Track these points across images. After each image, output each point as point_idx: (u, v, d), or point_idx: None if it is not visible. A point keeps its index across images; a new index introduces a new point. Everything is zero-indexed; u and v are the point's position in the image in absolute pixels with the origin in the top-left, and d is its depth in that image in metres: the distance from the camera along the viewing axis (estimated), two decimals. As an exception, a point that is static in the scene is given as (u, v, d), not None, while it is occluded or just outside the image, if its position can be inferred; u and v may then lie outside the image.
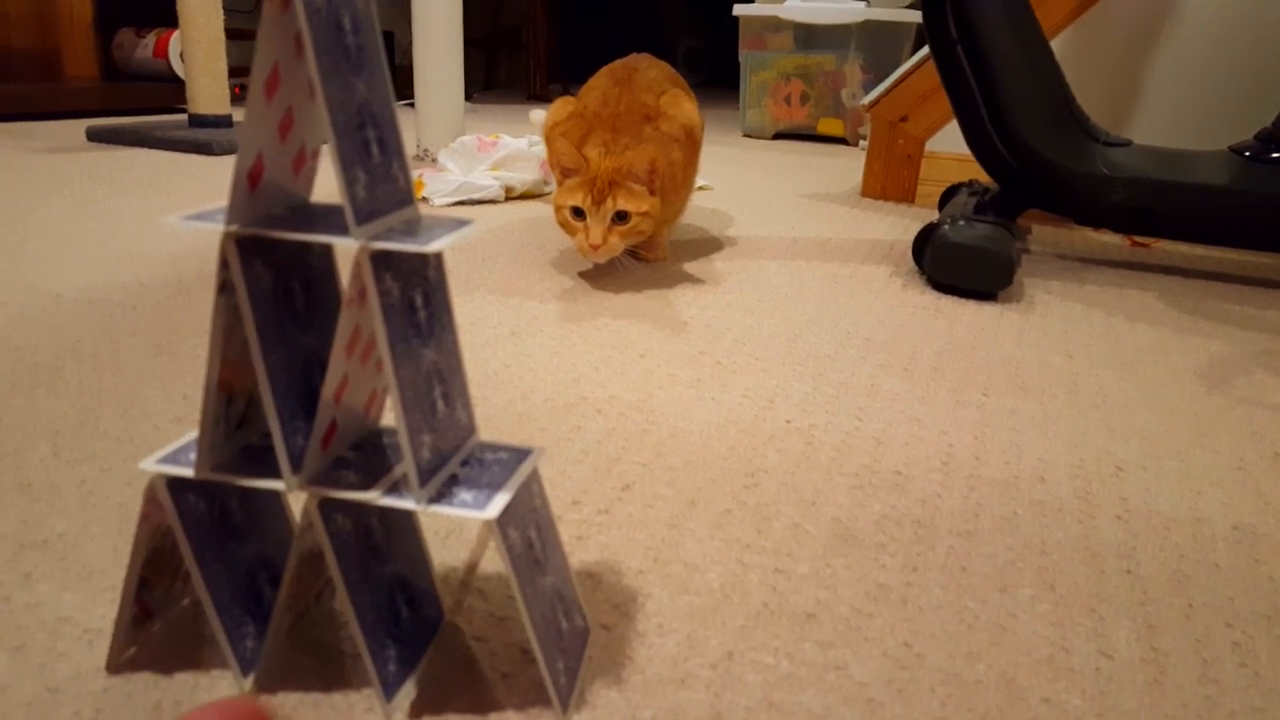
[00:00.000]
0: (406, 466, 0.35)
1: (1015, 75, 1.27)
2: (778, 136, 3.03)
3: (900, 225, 1.57)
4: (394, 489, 0.37)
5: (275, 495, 0.43)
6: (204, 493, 0.39)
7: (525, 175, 1.64)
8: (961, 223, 1.18)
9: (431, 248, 0.33)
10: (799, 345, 0.91)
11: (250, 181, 0.34)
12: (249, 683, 0.39)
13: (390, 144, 0.36)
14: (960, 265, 1.14)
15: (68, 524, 0.52)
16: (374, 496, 0.36)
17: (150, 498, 0.38)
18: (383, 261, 0.34)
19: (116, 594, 0.45)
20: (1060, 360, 0.91)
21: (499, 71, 4.71)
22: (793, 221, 1.55)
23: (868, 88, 2.82)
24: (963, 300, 1.12)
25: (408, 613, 0.42)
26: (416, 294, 0.37)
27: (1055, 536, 0.57)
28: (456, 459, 0.39)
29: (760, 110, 3.03)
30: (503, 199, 1.60)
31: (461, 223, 0.38)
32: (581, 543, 0.53)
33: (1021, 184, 1.32)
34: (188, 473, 0.37)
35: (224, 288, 0.34)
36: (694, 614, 0.47)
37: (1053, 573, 0.53)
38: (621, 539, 0.54)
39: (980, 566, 0.53)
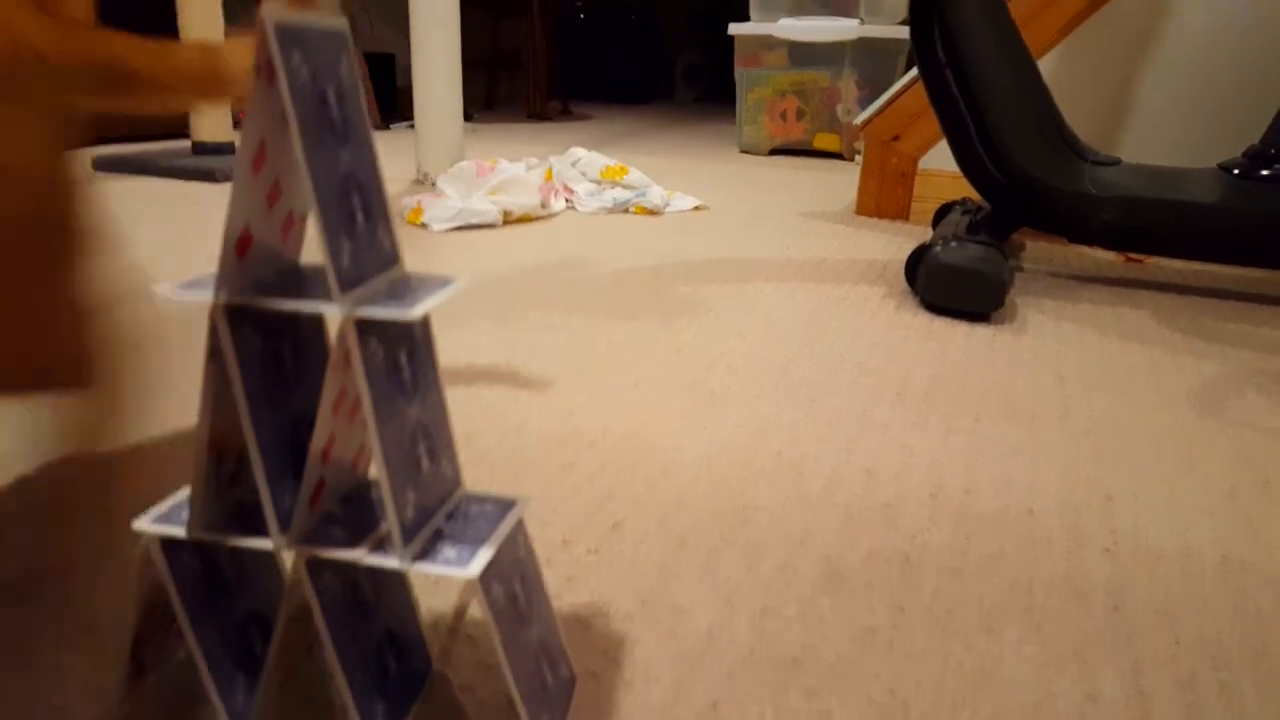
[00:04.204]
0: (390, 525, 0.36)
1: (1003, 97, 1.28)
2: (774, 152, 3.04)
3: (895, 244, 1.58)
4: (380, 546, 0.37)
5: (266, 551, 0.43)
6: (197, 551, 0.40)
7: (523, 199, 1.65)
8: (953, 244, 1.19)
9: (413, 314, 0.33)
10: (792, 371, 0.92)
11: (239, 251, 0.34)
12: (240, 737, 0.40)
13: (375, 209, 0.37)
14: (952, 287, 1.15)
15: (81, 592, 0.52)
16: (360, 555, 0.37)
17: (144, 559, 0.39)
18: (366, 326, 0.35)
19: (111, 646, 0.46)
20: (1052, 383, 0.92)
21: (499, 90, 4.74)
22: (788, 241, 1.56)
23: (863, 103, 2.84)
24: (955, 321, 1.12)
25: (395, 666, 0.42)
26: (401, 354, 0.37)
27: (1043, 573, 0.58)
28: (442, 513, 0.40)
29: (757, 126, 3.05)
30: (500, 223, 1.61)
31: (445, 282, 0.39)
32: (571, 585, 0.54)
33: (1012, 203, 1.33)
34: (181, 533, 0.38)
35: (213, 354, 0.35)
36: (681, 660, 0.48)
37: (1039, 613, 0.54)
38: (611, 581, 0.54)
39: (967, 608, 0.54)
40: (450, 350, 0.93)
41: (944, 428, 0.80)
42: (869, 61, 2.86)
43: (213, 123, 2.08)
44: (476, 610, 0.50)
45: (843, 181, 2.34)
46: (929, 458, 0.73)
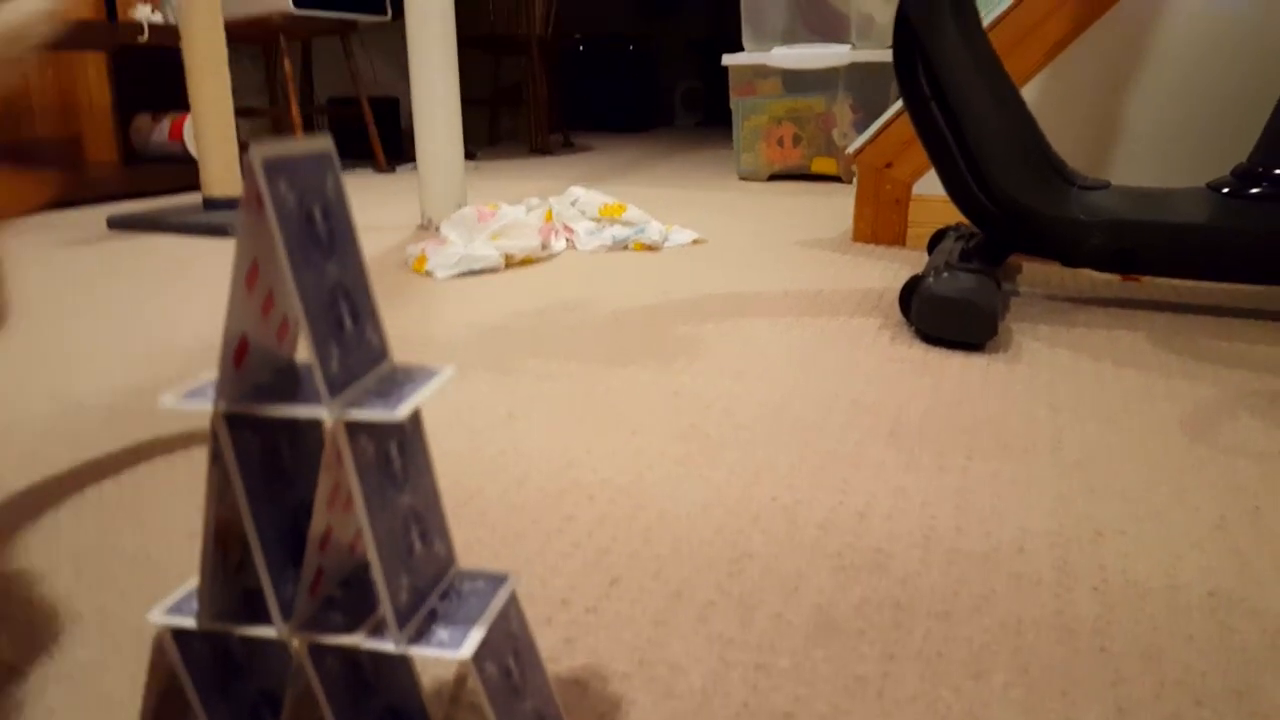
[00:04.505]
0: (385, 611, 0.38)
1: (988, 127, 1.31)
2: (773, 178, 3.07)
3: (890, 271, 1.59)
4: (377, 630, 0.39)
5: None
6: (207, 639, 0.42)
7: (524, 242, 1.69)
8: (945, 274, 1.20)
9: (399, 415, 0.36)
10: (786, 412, 0.94)
11: (236, 360, 0.37)
12: (253, 815, 0.42)
13: (362, 311, 0.40)
14: (945, 317, 1.16)
15: (89, 654, 0.55)
16: (358, 640, 0.39)
17: (158, 646, 0.41)
18: (356, 427, 0.37)
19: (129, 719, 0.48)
20: (1045, 414, 0.93)
21: (502, 126, 4.82)
22: (785, 272, 1.58)
23: (858, 126, 2.87)
24: (950, 352, 1.14)
25: (400, 737, 0.44)
26: (391, 447, 0.40)
27: (1031, 613, 0.59)
28: (436, 593, 0.42)
29: (754, 154, 3.09)
30: (502, 267, 1.64)
31: (432, 373, 0.41)
32: (569, 647, 0.56)
33: (1002, 230, 1.35)
34: (191, 624, 0.40)
35: (215, 458, 0.38)
36: (677, 719, 0.49)
37: (1027, 654, 0.55)
38: (608, 640, 0.56)
39: (956, 651, 0.55)
40: (452, 403, 0.96)
41: (936, 465, 0.81)
42: (862, 85, 2.89)
43: (222, 179, 2.12)
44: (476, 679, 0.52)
45: (840, 205, 2.37)
46: (921, 498, 0.75)
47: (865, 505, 0.74)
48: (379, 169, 3.41)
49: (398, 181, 3.04)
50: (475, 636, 0.39)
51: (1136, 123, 1.59)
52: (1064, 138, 1.58)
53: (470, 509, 0.73)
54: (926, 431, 0.89)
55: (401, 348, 1.16)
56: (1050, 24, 1.62)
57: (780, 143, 3.06)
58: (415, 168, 2.07)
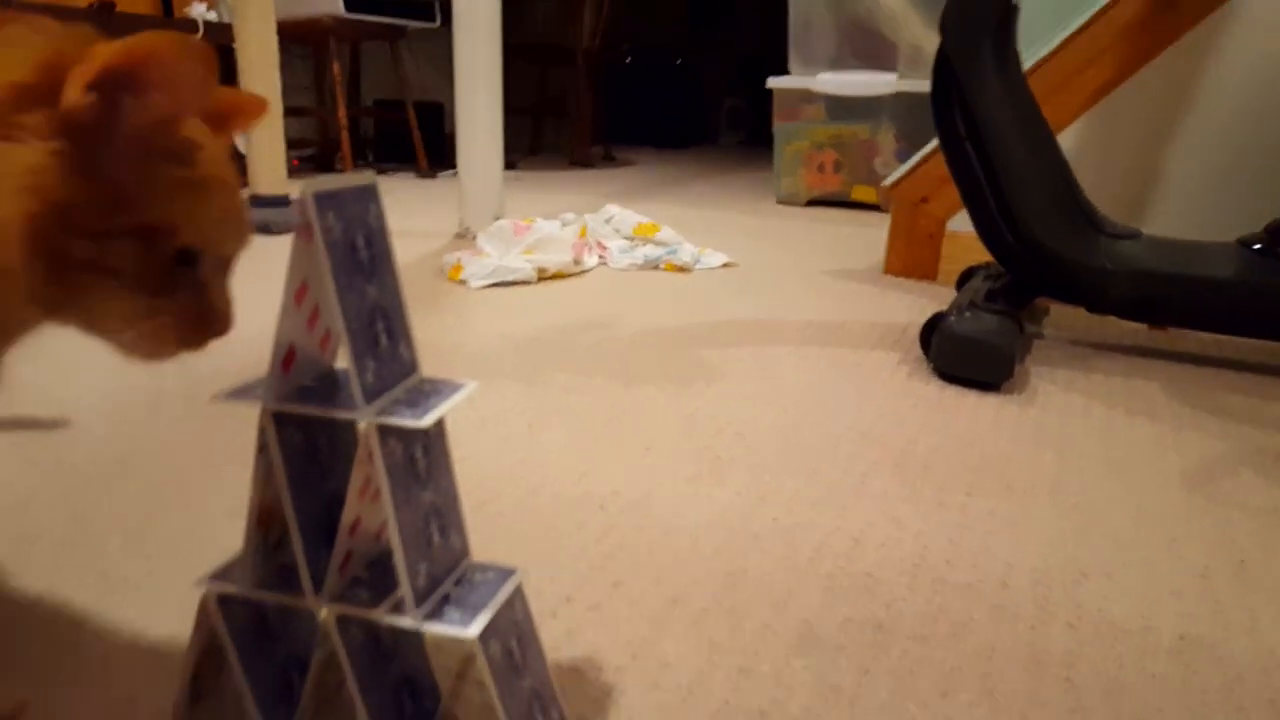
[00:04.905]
0: (405, 592, 0.43)
1: (1021, 170, 1.34)
2: (812, 203, 3.11)
3: (917, 306, 1.62)
4: (397, 607, 0.44)
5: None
6: (247, 604, 0.47)
7: (557, 256, 1.75)
8: (968, 314, 1.23)
9: (424, 423, 0.41)
10: (796, 439, 0.98)
11: (284, 367, 0.43)
12: (276, 765, 0.47)
13: (397, 329, 0.45)
14: (963, 356, 1.19)
15: (136, 613, 0.61)
16: (380, 615, 0.44)
17: (203, 608, 0.47)
18: (386, 430, 0.42)
19: (174, 677, 0.54)
20: (1050, 458, 0.96)
21: (545, 137, 4.90)
22: (811, 301, 1.62)
23: (901, 156, 2.89)
24: (965, 391, 1.17)
25: (411, 705, 0.49)
26: (417, 449, 0.45)
27: (1005, 643, 0.63)
28: (450, 580, 0.47)
29: (794, 178, 3.12)
30: (535, 280, 1.70)
31: (458, 386, 0.46)
32: (570, 638, 0.60)
33: (1029, 273, 1.38)
34: (234, 590, 0.46)
35: (262, 449, 0.43)
36: (661, 710, 0.54)
37: (995, 679, 0.59)
38: (606, 636, 0.61)
39: (928, 671, 0.59)
40: (479, 410, 1.01)
41: (936, 500, 0.85)
42: (907, 115, 2.92)
43: (269, 177, 2.21)
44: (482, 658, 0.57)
45: (875, 236, 2.39)
46: (916, 529, 0.79)
47: (861, 532, 0.78)
48: (420, 173, 3.50)
49: (438, 187, 3.12)
50: (483, 619, 0.44)
51: (1174, 173, 1.61)
52: (1100, 184, 1.60)
53: (488, 510, 0.78)
54: (931, 466, 0.92)
55: (433, 354, 1.22)
56: (1093, 70, 1.64)
57: (821, 169, 3.09)
58: (456, 174, 2.14)
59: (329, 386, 0.45)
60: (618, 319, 1.44)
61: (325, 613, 0.45)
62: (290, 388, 0.44)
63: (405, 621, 0.44)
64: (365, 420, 0.41)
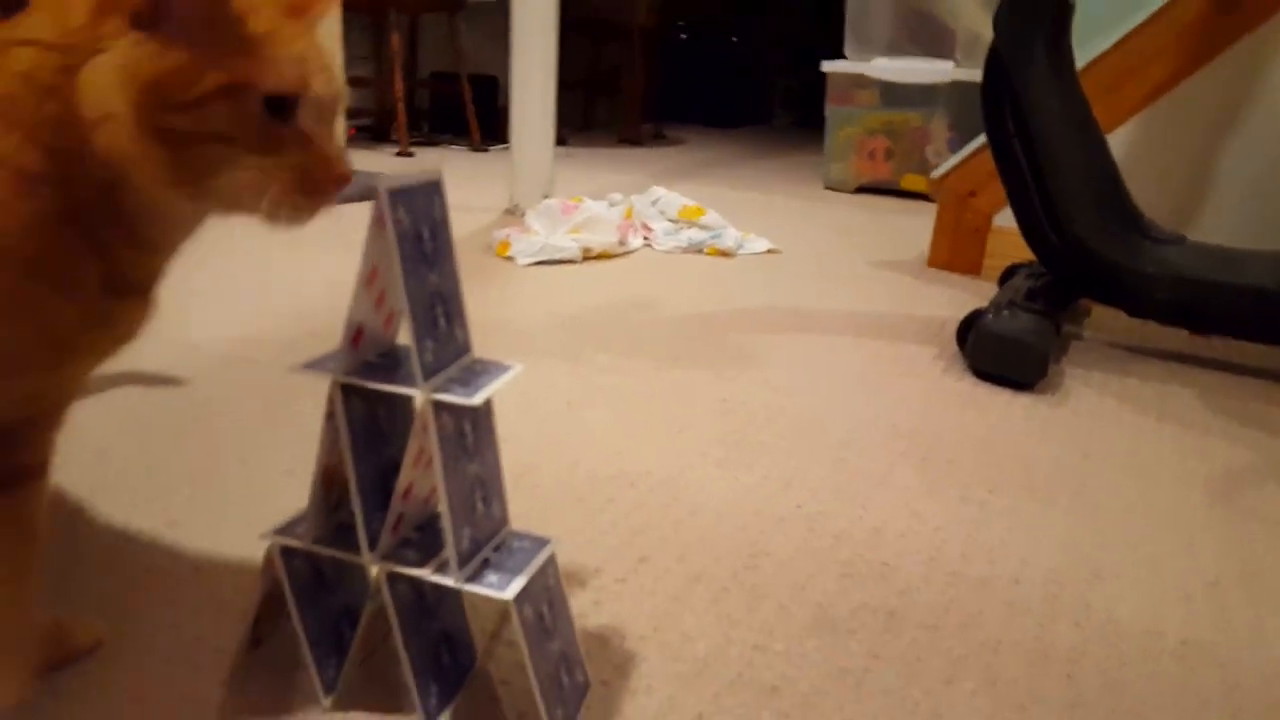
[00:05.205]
0: (449, 555, 0.47)
1: (1068, 171, 1.34)
2: (860, 190, 3.09)
3: (958, 301, 1.63)
4: (442, 568, 0.49)
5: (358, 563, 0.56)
6: (307, 557, 0.52)
7: (602, 237, 1.78)
8: (1005, 312, 1.25)
9: (474, 401, 0.45)
10: (828, 428, 1.00)
11: (353, 344, 0.47)
12: (329, 702, 0.52)
13: (454, 312, 0.49)
14: (998, 355, 1.21)
15: (204, 559, 0.66)
16: (426, 574, 0.48)
17: (267, 559, 0.51)
18: (440, 405, 0.46)
19: (236, 621, 0.59)
20: (1075, 460, 0.98)
21: (597, 113, 4.91)
22: (853, 293, 1.64)
23: (953, 145, 2.87)
24: (998, 390, 1.18)
25: (449, 658, 0.54)
26: (466, 424, 0.49)
27: (1012, 637, 0.65)
28: (490, 545, 0.51)
29: (844, 164, 3.11)
30: (580, 259, 1.74)
31: (506, 368, 0.50)
32: (597, 607, 0.64)
33: (1071, 274, 1.38)
34: (296, 544, 0.50)
35: (329, 416, 0.48)
36: (678, 678, 0.58)
37: (998, 670, 0.61)
38: (631, 607, 0.65)
39: (935, 659, 0.62)
40: (523, 387, 1.05)
41: (958, 496, 0.87)
42: (961, 104, 2.88)
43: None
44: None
45: (921, 227, 2.38)
46: (936, 523, 0.81)
47: (882, 522, 0.81)
48: (474, 146, 3.54)
49: (490, 163, 3.16)
50: (519, 583, 0.48)
51: (1226, 178, 1.59)
52: (1148, 186, 1.58)
53: (526, 482, 0.82)
54: (956, 462, 0.95)
55: (480, 330, 1.26)
56: (1149, 70, 1.62)
57: (871, 155, 3.08)
58: (508, 148, 2.17)
59: (391, 362, 0.49)
60: (659, 301, 1.48)
61: (377, 570, 0.49)
62: (357, 362, 0.48)
63: (449, 581, 0.48)
64: (422, 395, 0.45)
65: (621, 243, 1.83)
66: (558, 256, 1.70)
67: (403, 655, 0.50)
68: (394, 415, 0.51)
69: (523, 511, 0.77)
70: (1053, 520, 0.84)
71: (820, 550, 0.75)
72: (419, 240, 0.46)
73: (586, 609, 0.64)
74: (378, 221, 0.44)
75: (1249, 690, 0.61)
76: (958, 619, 0.67)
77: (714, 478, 0.86)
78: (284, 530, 0.52)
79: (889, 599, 0.69)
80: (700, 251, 1.90)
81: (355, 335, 0.47)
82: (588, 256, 1.76)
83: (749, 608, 0.66)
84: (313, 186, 0.45)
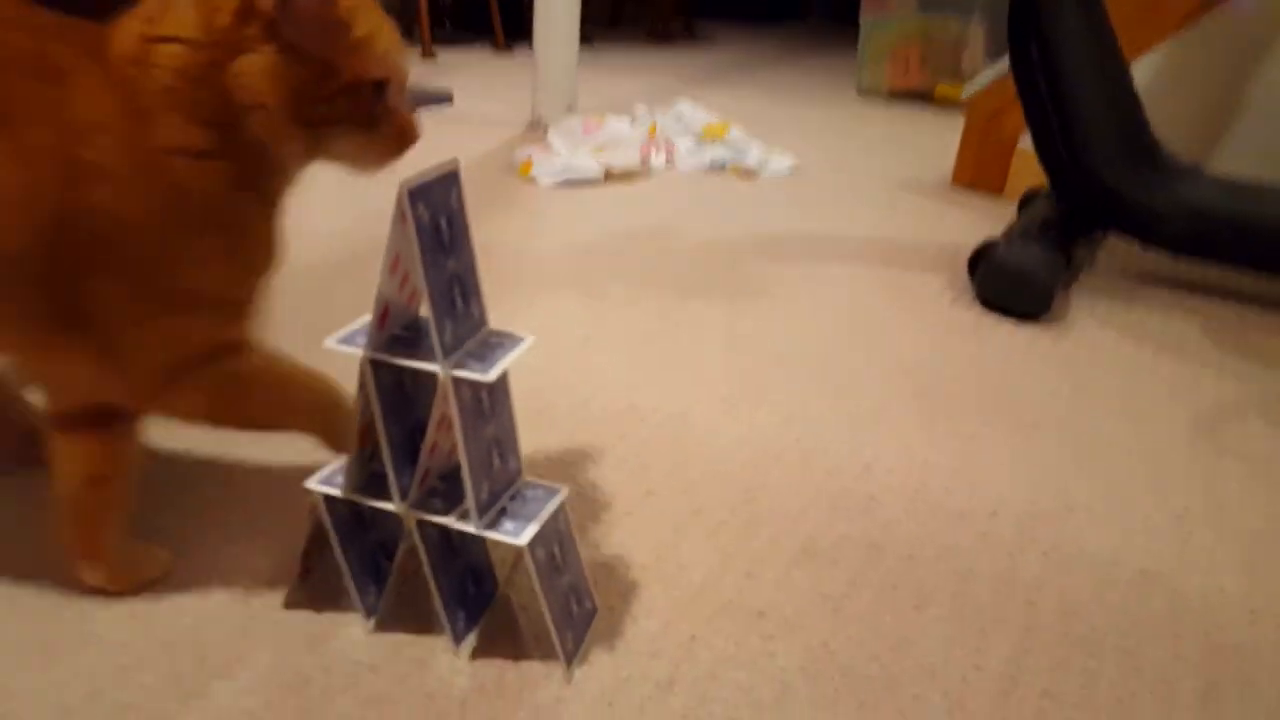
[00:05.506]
0: (470, 505, 0.55)
1: (1089, 103, 1.33)
2: (893, 97, 3.03)
3: (975, 225, 1.64)
4: (464, 516, 0.56)
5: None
6: (347, 503, 0.60)
7: (624, 158, 1.80)
8: (1017, 244, 1.27)
9: (490, 377, 0.51)
10: (832, 364, 1.06)
11: (380, 322, 0.53)
12: (372, 624, 0.61)
13: (470, 291, 0.55)
14: (1005, 287, 1.24)
15: (258, 497, 0.74)
16: (450, 521, 0.56)
17: (312, 505, 0.59)
18: (459, 380, 0.52)
19: (284, 552, 0.67)
20: (1067, 393, 1.02)
21: (625, 8, 4.76)
22: (871, 216, 1.65)
23: (989, 57, 2.79)
24: (1003, 320, 1.22)
25: (473, 588, 0.62)
26: (483, 392, 0.55)
27: (982, 567, 0.72)
28: (507, 495, 0.58)
29: (877, 70, 3.04)
30: (602, 180, 1.76)
31: (518, 341, 0.56)
32: (606, 538, 0.72)
33: (1085, 204, 1.39)
34: (338, 493, 0.58)
35: (361, 386, 0.54)
36: (675, 604, 0.66)
37: (965, 598, 0.69)
38: (636, 538, 0.72)
39: (909, 587, 0.69)
40: (542, 320, 1.11)
41: (948, 431, 0.93)
42: (999, 11, 2.77)
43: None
44: (534, 552, 0.69)
45: (949, 142, 2.35)
46: (924, 458, 0.87)
47: (873, 458, 0.87)
48: (497, 48, 3.48)
49: (513, 70, 3.12)
50: (531, 529, 0.55)
51: (1250, 109, 1.56)
52: (1173, 115, 1.56)
53: (543, 419, 0.89)
54: (952, 397, 1.00)
55: (502, 259, 1.31)
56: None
57: (906, 63, 3.00)
58: (531, 51, 2.14)
59: (415, 335, 0.55)
60: (677, 229, 1.51)
61: (408, 516, 0.57)
62: (384, 338, 0.54)
63: (470, 528, 0.55)
64: (443, 372, 0.52)
65: (644, 162, 1.85)
66: (579, 177, 1.72)
67: (433, 588, 0.58)
68: (419, 381, 0.58)
69: (538, 448, 0.84)
70: (1036, 455, 0.89)
71: (813, 485, 0.82)
72: (437, 231, 0.51)
73: (597, 539, 0.72)
74: (400, 219, 0.49)
75: (1191, 617, 0.68)
76: (933, 550, 0.74)
77: (720, 414, 0.93)
78: (326, 480, 0.59)
79: (872, 531, 0.76)
80: (723, 170, 1.92)
81: (382, 315, 0.53)
82: (610, 177, 1.78)
83: (744, 539, 0.73)
84: (398, 147, 0.58)
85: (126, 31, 0.53)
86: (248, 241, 0.58)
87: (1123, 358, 1.13)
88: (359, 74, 0.54)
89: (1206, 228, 1.28)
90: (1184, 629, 0.67)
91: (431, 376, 0.58)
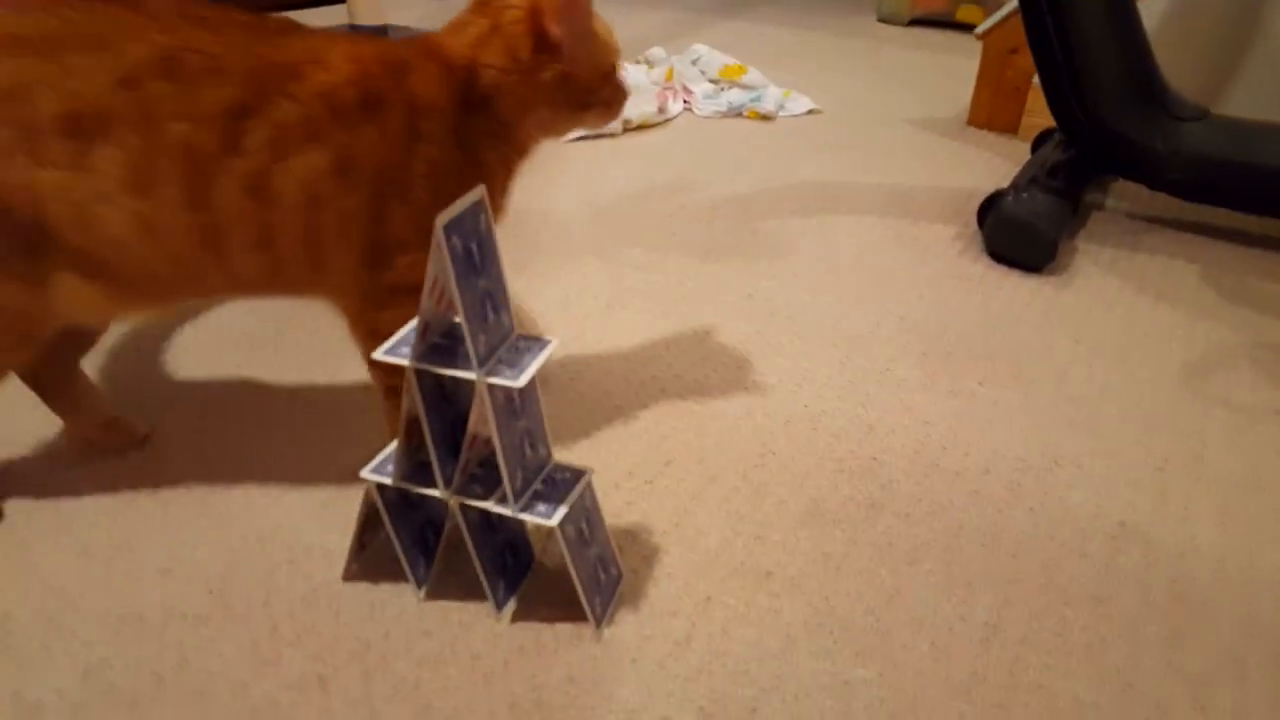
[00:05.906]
0: (506, 490, 0.62)
1: (1098, 46, 1.33)
2: (914, 23, 2.97)
3: (989, 169, 1.66)
4: (501, 500, 0.64)
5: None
6: (396, 489, 0.67)
7: (642, 108, 1.82)
8: (1024, 195, 1.30)
9: (520, 383, 0.58)
10: (841, 325, 1.11)
11: (421, 335, 0.59)
12: (423, 593, 0.69)
13: (500, 303, 0.61)
14: (1012, 239, 1.27)
15: (309, 470, 0.83)
16: (490, 505, 0.63)
17: (367, 490, 0.67)
18: (493, 385, 0.59)
19: (342, 527, 0.75)
20: (1066, 345, 1.07)
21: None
22: (886, 162, 1.67)
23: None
24: (1009, 272, 1.26)
25: (511, 560, 0.70)
26: (515, 394, 0.62)
27: (973, 522, 0.79)
28: (538, 480, 0.66)
29: (897, -5, 2.97)
30: (620, 131, 1.79)
31: (544, 344, 0.62)
32: (629, 508, 0.80)
33: (1092, 149, 1.40)
34: (388, 481, 0.65)
35: (407, 389, 0.61)
36: (693, 567, 0.73)
37: (954, 553, 0.76)
38: (656, 506, 0.80)
39: (903, 543, 0.76)
40: (565, 288, 1.17)
41: (949, 389, 0.98)
42: (1021, -73, 2.70)
43: (366, 6, 2.29)
44: (565, 520, 0.77)
45: (967, 74, 2.33)
46: (924, 417, 0.93)
47: (876, 419, 0.93)
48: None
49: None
50: (562, 511, 0.63)
51: (1262, 50, 1.54)
52: (1181, 57, 1.55)
53: (569, 392, 0.96)
54: (954, 354, 1.05)
55: (522, 224, 1.36)
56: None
57: (925, -15, 2.93)
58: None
59: (452, 342, 0.62)
60: (694, 184, 1.55)
61: (451, 501, 0.64)
62: (425, 348, 0.61)
63: (506, 511, 0.63)
64: (478, 379, 0.58)
65: (661, 110, 1.87)
66: (597, 131, 1.75)
67: (475, 562, 0.66)
68: (457, 382, 0.64)
69: (566, 420, 0.91)
70: (1031, 410, 0.95)
71: (819, 448, 0.88)
72: (469, 255, 0.57)
73: (620, 509, 0.79)
74: (436, 249, 0.55)
75: (1162, 566, 0.75)
76: (928, 508, 0.81)
77: (734, 379, 0.99)
78: (377, 469, 0.67)
79: (872, 491, 0.83)
80: (740, 114, 1.93)
81: (423, 329, 0.60)
82: (628, 128, 1.81)
83: (754, 503, 0.81)
84: (619, 110, 0.78)
85: (453, 45, 0.71)
86: (495, 191, 0.76)
87: (1123, 307, 1.17)
88: (609, 64, 0.74)
89: (1211, 171, 1.30)
90: (1154, 577, 0.74)
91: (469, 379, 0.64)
